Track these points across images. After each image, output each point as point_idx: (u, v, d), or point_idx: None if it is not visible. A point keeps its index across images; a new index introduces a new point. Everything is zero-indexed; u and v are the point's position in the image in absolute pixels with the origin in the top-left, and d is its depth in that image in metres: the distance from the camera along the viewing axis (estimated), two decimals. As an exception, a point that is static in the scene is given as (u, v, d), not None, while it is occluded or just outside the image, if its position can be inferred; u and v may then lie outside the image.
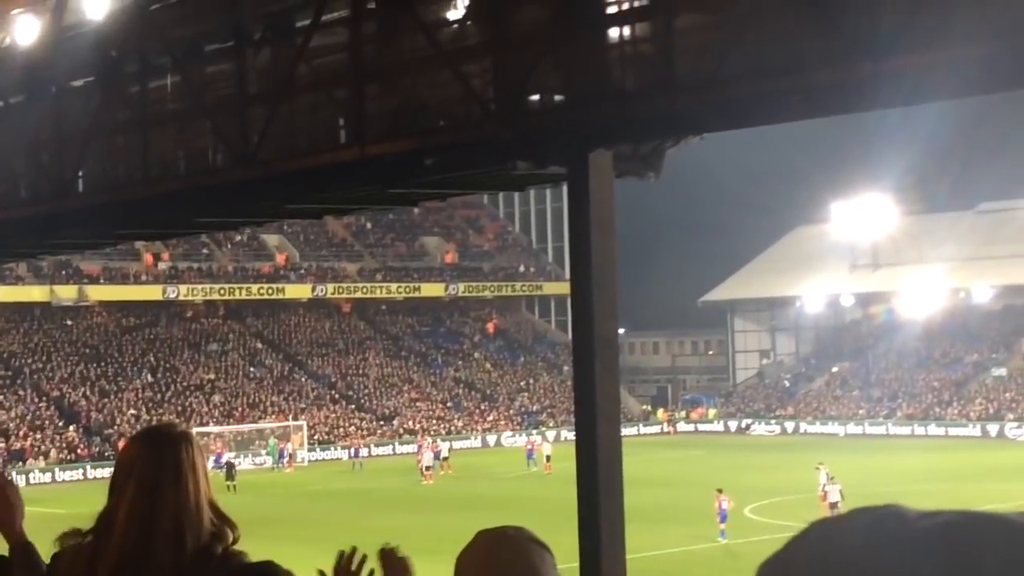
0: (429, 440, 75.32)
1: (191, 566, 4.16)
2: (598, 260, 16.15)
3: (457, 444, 79.35)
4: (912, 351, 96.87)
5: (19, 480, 67.34)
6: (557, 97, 17.08)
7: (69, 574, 4.31)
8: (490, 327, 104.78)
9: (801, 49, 14.11)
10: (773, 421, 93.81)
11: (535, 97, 17.10)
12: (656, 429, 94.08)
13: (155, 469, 4.24)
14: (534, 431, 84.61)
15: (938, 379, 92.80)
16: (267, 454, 75.81)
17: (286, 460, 74.85)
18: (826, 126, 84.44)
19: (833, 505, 44.30)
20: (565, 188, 17.79)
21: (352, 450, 76.35)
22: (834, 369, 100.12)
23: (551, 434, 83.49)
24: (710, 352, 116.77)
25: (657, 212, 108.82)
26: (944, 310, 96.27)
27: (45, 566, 5.06)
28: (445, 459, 69.26)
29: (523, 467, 68.13)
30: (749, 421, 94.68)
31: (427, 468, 65.03)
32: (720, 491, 43.91)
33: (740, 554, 38.23)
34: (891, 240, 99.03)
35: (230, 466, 64.81)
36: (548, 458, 64.63)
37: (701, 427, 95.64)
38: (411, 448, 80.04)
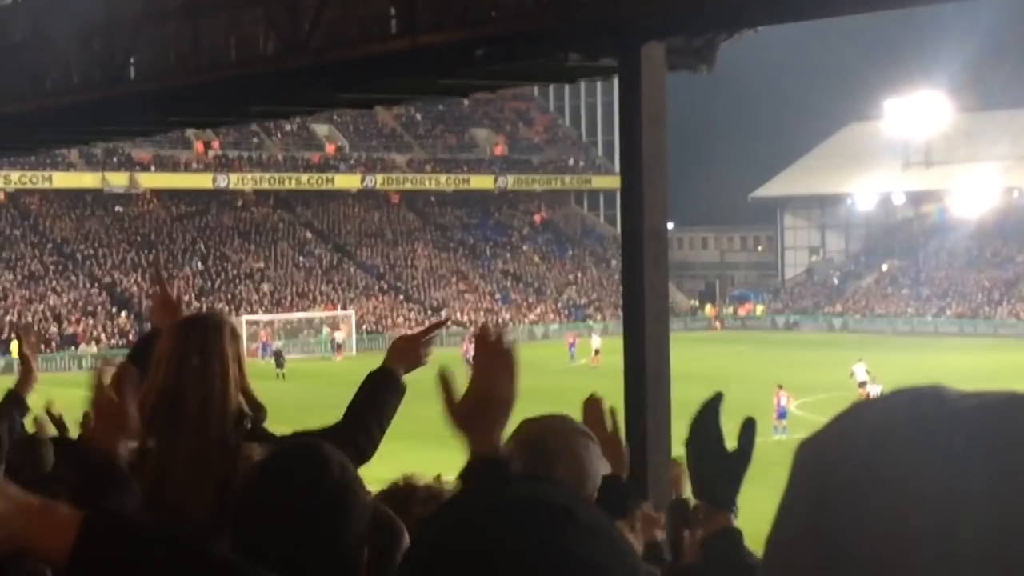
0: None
1: (215, 448, 4.24)
2: (648, 153, 16.07)
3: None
4: (963, 250, 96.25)
5: (72, 365, 68.28)
6: (610, -12, 16.91)
7: None
8: (536, 219, 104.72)
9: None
10: (821, 318, 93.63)
11: (588, -12, 16.96)
12: (703, 324, 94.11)
13: (182, 352, 4.33)
14: (577, 325, 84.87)
15: (989, 278, 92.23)
16: (318, 343, 76.25)
17: (335, 351, 75.37)
18: (880, 22, 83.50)
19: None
20: (616, 80, 17.67)
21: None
22: (884, 267, 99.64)
23: (598, 327, 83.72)
24: (759, 248, 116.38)
25: (708, 107, 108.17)
26: (996, 209, 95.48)
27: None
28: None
29: (575, 360, 68.34)
30: (797, 318, 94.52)
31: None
32: (780, 387, 43.74)
33: (786, 450, 38.31)
34: (944, 138, 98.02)
35: (278, 354, 65.26)
36: (596, 351, 64.74)
37: (748, 323, 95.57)
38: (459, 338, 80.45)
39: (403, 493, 4.14)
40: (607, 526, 1.37)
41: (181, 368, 4.32)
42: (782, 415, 42.85)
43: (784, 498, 1.10)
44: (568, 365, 67.25)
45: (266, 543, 2.76)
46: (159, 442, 4.25)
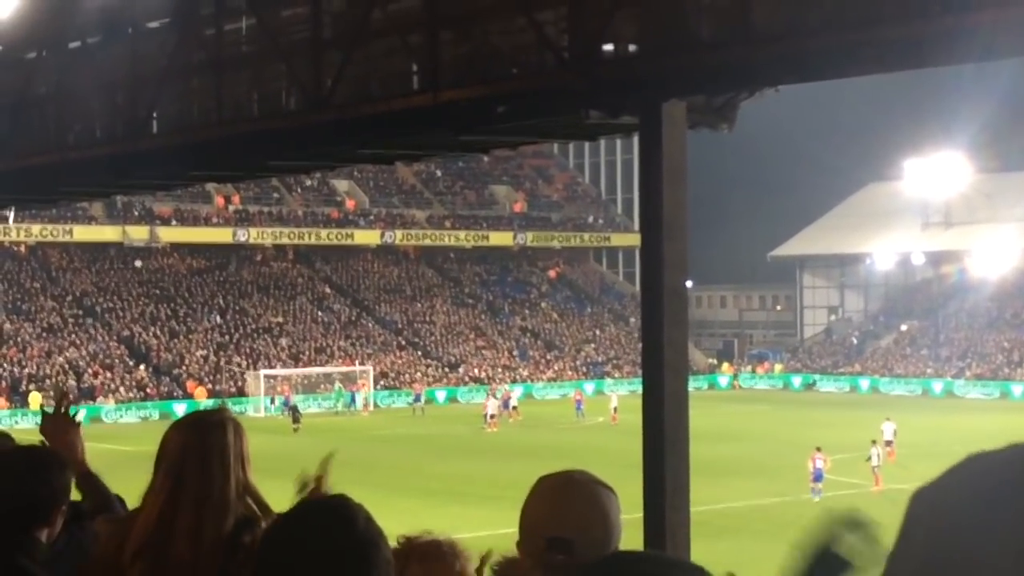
0: (506, 387, 76.17)
1: (210, 555, 4.14)
2: (669, 211, 16.08)
3: (521, 391, 79.57)
4: (983, 311, 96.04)
5: (88, 417, 68.27)
6: (632, 46, 16.97)
7: (106, 548, 4.33)
8: (552, 274, 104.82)
9: (878, 2, 13.97)
10: (841, 378, 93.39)
11: (610, 46, 17.01)
12: (721, 382, 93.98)
13: (181, 455, 4.23)
14: (574, 385, 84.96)
15: (1008, 339, 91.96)
16: (334, 398, 76.35)
17: (360, 404, 75.42)
18: (901, 82, 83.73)
19: (876, 467, 44.27)
20: (636, 138, 17.72)
21: (414, 396, 76.82)
22: (903, 327, 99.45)
23: (617, 386, 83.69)
24: (778, 307, 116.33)
25: (729, 166, 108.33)
26: (1016, 270, 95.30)
27: (110, 492, 5.11)
28: (514, 407, 69.76)
29: (583, 417, 68.21)
30: (815, 377, 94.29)
31: (491, 416, 65.29)
32: (819, 449, 43.31)
33: (804, 511, 38.20)
34: (964, 198, 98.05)
35: (295, 410, 65.44)
36: (615, 409, 64.60)
37: (767, 382, 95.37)
38: (476, 396, 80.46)
39: (402, 551, 4.11)
40: None
41: (180, 469, 4.23)
42: (818, 478, 42.42)
43: (897, 546, 1.09)
44: (576, 422, 67.13)
45: None
46: (153, 546, 4.15)
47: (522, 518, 3.87)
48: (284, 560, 2.82)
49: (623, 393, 76.22)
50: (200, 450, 4.20)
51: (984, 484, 1.03)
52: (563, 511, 3.80)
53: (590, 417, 67.67)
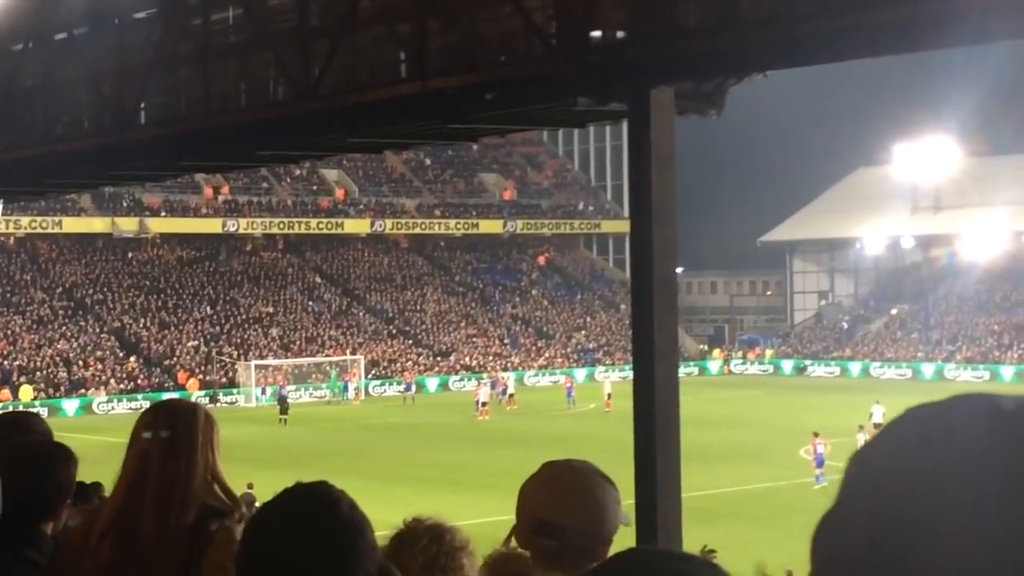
0: (503, 375, 76.29)
1: (175, 540, 4.13)
2: (658, 197, 16.09)
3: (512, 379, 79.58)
4: (973, 294, 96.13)
5: (79, 408, 68.30)
6: (620, 33, 16.97)
7: (74, 534, 4.34)
8: (541, 260, 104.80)
9: (868, -14, 13.97)
10: (832, 362, 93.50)
11: (597, 33, 17.00)
12: (713, 368, 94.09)
13: (150, 441, 4.23)
14: (566, 372, 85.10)
15: (998, 323, 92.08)
16: (327, 387, 76.29)
17: (352, 393, 75.39)
18: (890, 66, 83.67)
19: None
20: (625, 125, 17.71)
21: (405, 385, 76.82)
22: (893, 311, 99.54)
23: (610, 371, 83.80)
24: (768, 293, 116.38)
25: (717, 152, 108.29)
26: (1006, 253, 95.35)
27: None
28: (511, 395, 69.81)
29: (575, 405, 68.19)
30: (806, 362, 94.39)
31: (483, 404, 65.24)
32: (817, 435, 43.12)
33: (795, 496, 38.26)
34: (954, 182, 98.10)
35: (283, 400, 65.04)
36: (609, 395, 64.52)
37: (758, 368, 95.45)
38: (467, 384, 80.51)
39: (407, 535, 4.12)
40: None
41: (147, 448, 4.23)
42: (820, 463, 42.25)
43: (835, 509, 1.07)
44: (567, 410, 67.08)
45: None
46: (119, 527, 4.15)
47: (519, 499, 3.88)
48: (269, 547, 2.82)
49: (615, 379, 76.32)
50: (171, 435, 4.21)
51: (926, 437, 1.01)
52: (559, 497, 3.81)
53: (581, 404, 67.66)
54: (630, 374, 17.79)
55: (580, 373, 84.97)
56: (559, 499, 3.80)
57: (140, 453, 4.23)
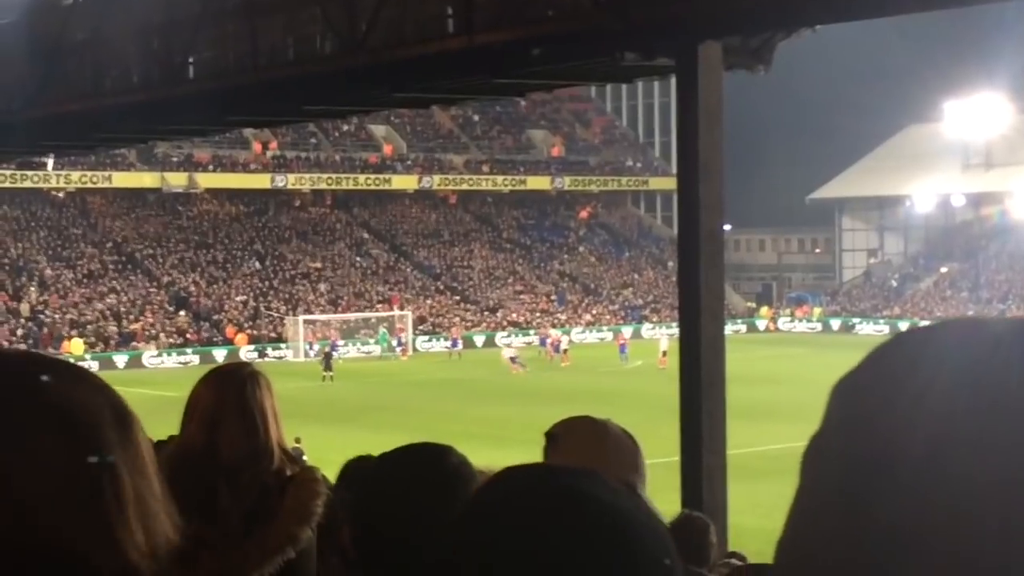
0: (553, 332, 76.46)
1: (247, 499, 4.14)
2: (705, 153, 16.01)
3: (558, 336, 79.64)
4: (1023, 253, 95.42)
5: (129, 362, 68.78)
6: (667, -13, 16.87)
7: None
8: (584, 214, 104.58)
9: (919, -60, 13.84)
10: (880, 321, 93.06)
11: (645, -13, 16.91)
12: (761, 326, 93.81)
13: (216, 407, 4.22)
14: (614, 329, 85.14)
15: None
16: (376, 343, 76.42)
17: (399, 348, 75.59)
18: (940, 22, 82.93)
19: None
20: (673, 81, 17.64)
21: (451, 340, 76.99)
22: (943, 270, 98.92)
23: (650, 328, 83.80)
24: (816, 250, 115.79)
25: (766, 108, 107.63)
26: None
27: None
28: (565, 351, 69.90)
29: (627, 361, 68.12)
30: (855, 320, 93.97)
31: (512, 359, 65.36)
32: None
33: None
34: (1005, 139, 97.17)
35: (327, 356, 64.70)
36: (664, 353, 63.86)
37: (805, 325, 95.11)
38: (514, 340, 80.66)
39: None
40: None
41: (216, 423, 4.21)
42: None
43: (816, 436, 1.06)
44: (621, 367, 67.00)
45: (385, 526, 2.97)
46: (182, 496, 4.14)
47: (554, 447, 3.87)
48: (380, 501, 3.04)
49: (671, 335, 76.26)
50: (238, 403, 4.21)
51: (907, 361, 0.98)
52: (603, 452, 3.78)
53: (632, 360, 67.60)
54: (677, 331, 17.76)
55: (627, 330, 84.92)
56: (604, 456, 3.78)
57: (206, 422, 4.22)
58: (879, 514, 0.92)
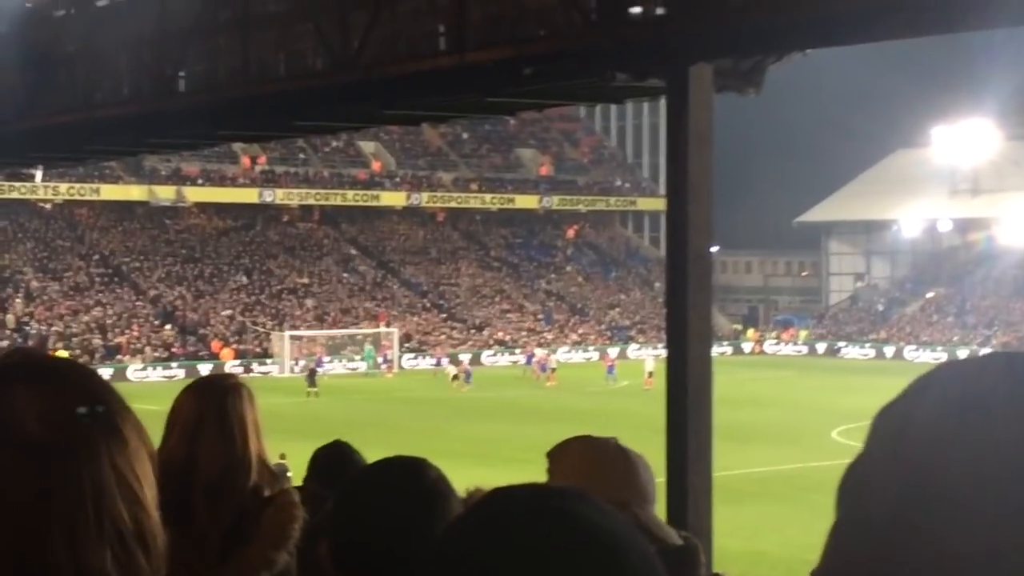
0: (539, 351, 76.55)
1: (225, 516, 4.12)
2: (694, 175, 16.04)
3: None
4: (1010, 279, 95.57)
5: (113, 375, 68.64)
6: (659, 9, 16.91)
7: None
8: (570, 232, 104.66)
9: (911, -34, 13.89)
10: (866, 344, 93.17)
11: (637, 8, 16.95)
12: (747, 348, 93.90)
13: (196, 419, 4.21)
14: (600, 349, 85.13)
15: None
16: (362, 359, 76.28)
17: (384, 366, 75.51)
18: (930, 48, 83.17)
19: None
20: (663, 102, 17.67)
21: (435, 360, 77.04)
22: (929, 295, 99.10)
23: (636, 349, 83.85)
24: (803, 273, 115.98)
25: (755, 131, 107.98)
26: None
27: None
28: (552, 370, 69.95)
29: (615, 382, 68.09)
30: (841, 344, 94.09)
31: (454, 377, 67.03)
32: None
33: (826, 477, 38.15)
34: (992, 165, 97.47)
35: (311, 372, 64.60)
36: (650, 374, 63.88)
37: (791, 348, 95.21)
38: (500, 359, 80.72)
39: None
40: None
41: (196, 434, 4.20)
42: None
43: (857, 466, 1.04)
44: (608, 387, 66.98)
45: (361, 541, 2.95)
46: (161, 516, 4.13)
47: (554, 470, 3.84)
48: (356, 514, 3.00)
49: (657, 355, 76.41)
50: (218, 415, 4.19)
51: (956, 392, 0.97)
52: (602, 475, 3.74)
53: (618, 381, 67.62)
54: (663, 352, 17.79)
55: (614, 351, 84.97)
56: (604, 479, 3.75)
57: (187, 433, 4.20)
58: (925, 543, 0.92)
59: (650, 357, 69.33)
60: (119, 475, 1.57)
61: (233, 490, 4.17)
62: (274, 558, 4.08)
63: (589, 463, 3.78)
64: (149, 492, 1.65)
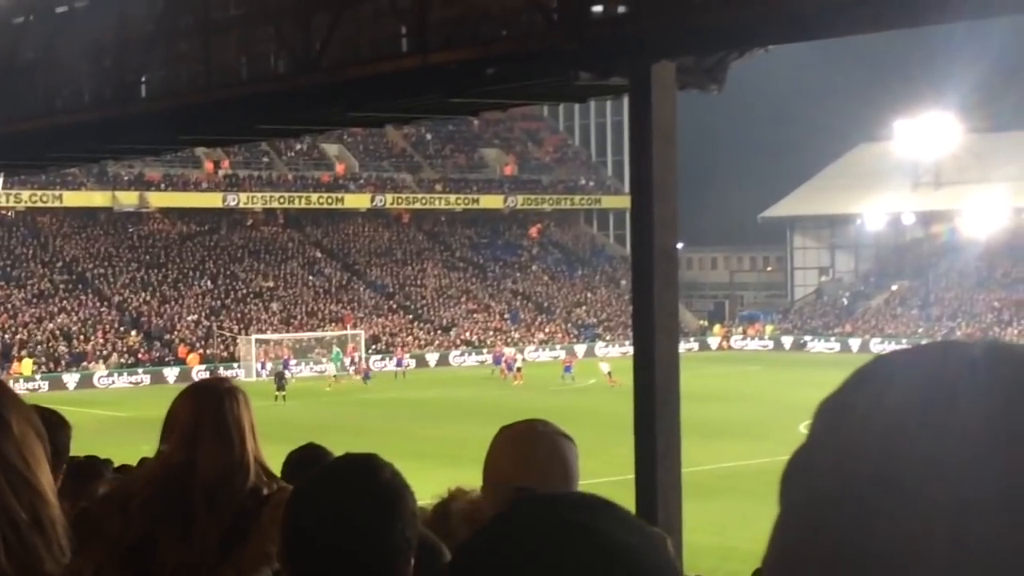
0: (507, 350, 76.57)
1: (225, 517, 4.15)
2: (659, 172, 16.08)
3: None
4: (973, 271, 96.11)
5: (79, 382, 68.34)
6: (621, 8, 16.94)
7: (101, 512, 4.32)
8: (533, 231, 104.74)
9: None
10: (832, 338, 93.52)
11: (599, 7, 16.98)
12: (713, 344, 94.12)
13: (194, 424, 4.23)
14: (564, 348, 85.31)
15: (999, 299, 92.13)
16: (330, 361, 75.96)
17: (352, 368, 75.34)
18: (891, 42, 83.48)
19: None
20: (627, 100, 17.70)
21: (396, 360, 76.99)
22: (893, 287, 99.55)
23: (601, 348, 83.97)
24: (768, 268, 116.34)
25: (718, 127, 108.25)
26: (1006, 230, 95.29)
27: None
28: (518, 369, 69.95)
29: (573, 381, 68.02)
30: (807, 338, 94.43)
31: (335, 376, 68.46)
32: None
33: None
34: (954, 158, 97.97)
35: (279, 376, 64.29)
36: (610, 373, 63.99)
37: (757, 343, 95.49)
38: (467, 359, 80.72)
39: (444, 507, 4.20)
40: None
41: (195, 438, 4.22)
42: None
43: (801, 455, 1.05)
44: (567, 385, 66.76)
45: (316, 539, 2.92)
46: (161, 502, 4.15)
47: (487, 468, 3.94)
48: (312, 513, 2.97)
49: (615, 355, 76.34)
50: (215, 418, 4.22)
51: (918, 382, 0.98)
52: (527, 461, 3.85)
53: (582, 379, 67.56)
54: (630, 350, 17.82)
55: (580, 348, 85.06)
56: (527, 463, 3.85)
57: (185, 437, 4.22)
58: (886, 527, 0.93)
59: (604, 362, 69.23)
60: (6, 464, 1.51)
61: (232, 491, 4.20)
62: (273, 553, 4.12)
63: (509, 447, 3.91)
64: (44, 478, 1.56)
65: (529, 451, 3.90)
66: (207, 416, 4.23)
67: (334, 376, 71.89)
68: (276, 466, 6.36)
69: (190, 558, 4.10)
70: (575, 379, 67.70)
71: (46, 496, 1.54)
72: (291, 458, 6.24)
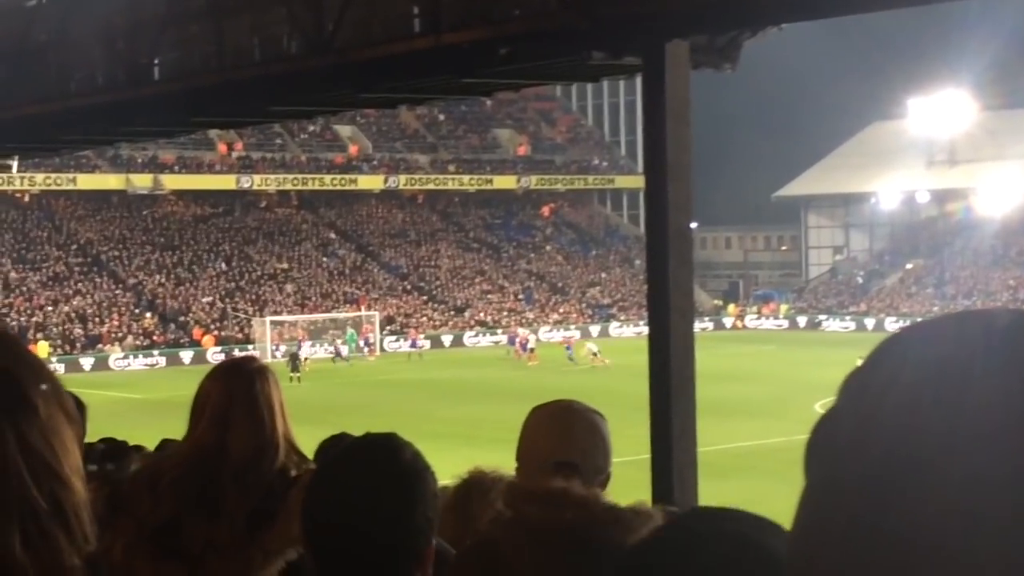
0: (520, 331, 76.53)
1: (253, 497, 4.15)
2: (673, 152, 16.03)
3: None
4: (988, 249, 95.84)
5: (95, 364, 68.50)
6: (634, -14, 16.88)
7: (131, 490, 4.32)
8: (546, 211, 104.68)
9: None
10: (846, 317, 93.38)
11: (612, -14, 16.92)
12: (728, 323, 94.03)
13: (226, 404, 4.23)
14: (579, 328, 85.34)
15: (1014, 277, 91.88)
16: (344, 343, 75.98)
17: (367, 349, 75.41)
18: (904, 20, 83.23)
19: None
20: (640, 79, 17.65)
21: (411, 341, 77.02)
22: (908, 266, 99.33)
23: (618, 327, 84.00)
24: (783, 248, 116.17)
25: (732, 106, 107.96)
26: (1021, 207, 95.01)
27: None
28: (532, 350, 69.95)
29: (575, 363, 67.97)
30: (821, 317, 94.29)
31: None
32: None
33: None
34: (969, 136, 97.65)
35: (293, 357, 64.36)
36: (595, 354, 64.44)
37: (772, 323, 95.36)
38: (482, 339, 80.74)
39: (476, 487, 4.21)
40: None
41: (226, 419, 4.22)
42: None
43: (827, 427, 1.05)
44: (573, 366, 66.73)
45: (337, 521, 2.93)
46: (192, 497, 4.15)
47: (524, 447, 3.97)
48: (332, 494, 2.98)
49: (629, 335, 76.43)
50: (247, 398, 4.22)
51: (933, 357, 0.97)
52: (567, 437, 3.91)
53: (582, 361, 67.39)
54: (645, 329, 17.79)
55: (595, 328, 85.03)
56: (568, 439, 3.91)
57: (216, 418, 4.22)
58: (902, 503, 0.93)
59: (590, 342, 70.16)
60: (28, 449, 1.45)
61: (260, 471, 4.21)
62: (299, 535, 4.12)
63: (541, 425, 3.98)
64: (70, 464, 1.50)
65: (568, 428, 3.96)
66: (239, 396, 4.23)
67: (344, 358, 71.99)
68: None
69: (218, 538, 4.11)
70: (576, 360, 67.57)
71: (70, 483, 1.49)
72: (324, 447, 6.23)
